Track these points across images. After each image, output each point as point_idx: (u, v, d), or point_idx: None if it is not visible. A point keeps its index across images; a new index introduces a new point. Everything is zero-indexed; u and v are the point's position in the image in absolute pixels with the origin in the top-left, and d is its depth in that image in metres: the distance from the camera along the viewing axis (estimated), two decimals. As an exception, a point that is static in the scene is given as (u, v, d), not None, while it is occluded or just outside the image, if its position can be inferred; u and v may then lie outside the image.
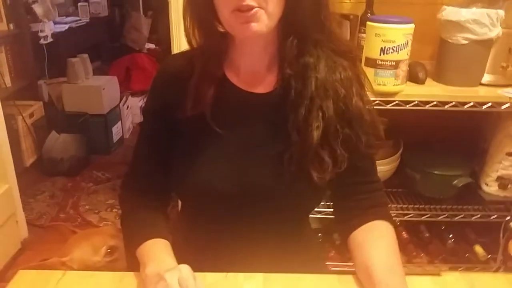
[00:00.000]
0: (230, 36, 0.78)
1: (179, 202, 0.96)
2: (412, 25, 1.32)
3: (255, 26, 0.70)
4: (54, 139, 2.89)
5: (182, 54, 0.87)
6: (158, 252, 0.76)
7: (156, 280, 0.68)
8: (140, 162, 0.89)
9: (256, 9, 0.68)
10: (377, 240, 0.78)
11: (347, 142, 0.78)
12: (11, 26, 2.80)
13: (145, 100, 3.78)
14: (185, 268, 0.68)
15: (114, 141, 3.26)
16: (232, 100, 0.82)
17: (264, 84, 0.82)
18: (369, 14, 1.52)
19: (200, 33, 0.79)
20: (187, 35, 0.80)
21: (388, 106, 1.39)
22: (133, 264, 0.80)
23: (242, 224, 0.82)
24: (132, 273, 0.78)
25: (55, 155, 2.84)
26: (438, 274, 0.79)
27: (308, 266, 0.86)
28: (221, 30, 0.77)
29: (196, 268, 0.72)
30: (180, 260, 0.75)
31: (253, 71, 0.81)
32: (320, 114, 0.75)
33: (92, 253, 0.88)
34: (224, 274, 0.77)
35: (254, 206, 0.80)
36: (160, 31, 4.67)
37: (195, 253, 0.83)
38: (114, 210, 2.49)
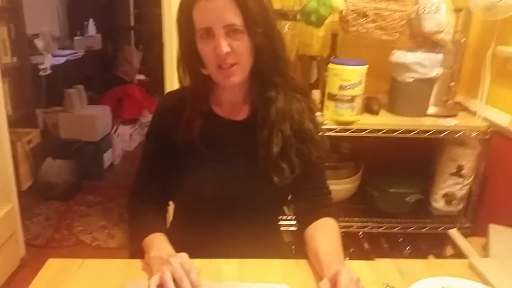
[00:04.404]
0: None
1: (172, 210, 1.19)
2: (365, 67, 1.59)
3: (234, 79, 0.97)
4: (50, 165, 3.06)
5: (176, 91, 1.12)
6: (159, 241, 0.99)
7: (159, 261, 0.90)
8: (144, 175, 1.12)
9: (234, 66, 0.95)
10: (323, 232, 1.02)
11: (301, 154, 1.03)
12: (14, 59, 3.03)
13: (134, 128, 4.01)
14: (186, 255, 0.90)
15: (105, 167, 3.45)
16: (216, 127, 1.06)
17: (241, 113, 1.07)
18: (333, 56, 1.79)
19: (190, 77, 1.04)
20: (180, 81, 1.05)
21: (347, 133, 1.65)
22: (136, 255, 1.03)
23: (223, 222, 1.05)
24: (136, 260, 0.99)
25: (50, 179, 3.01)
26: (373, 259, 1.02)
27: (276, 254, 1.08)
28: (206, 73, 1.02)
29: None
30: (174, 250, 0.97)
31: (231, 104, 1.07)
32: (280, 134, 1.01)
33: None
34: (208, 260, 0.99)
35: (232, 206, 1.04)
36: (150, 63, 4.93)
37: (185, 246, 1.05)
38: (106, 231, 2.67)
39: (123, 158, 3.80)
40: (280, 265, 1.00)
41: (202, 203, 1.05)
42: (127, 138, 3.92)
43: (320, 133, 1.07)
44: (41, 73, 3.29)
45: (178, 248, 0.98)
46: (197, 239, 1.07)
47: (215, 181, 1.04)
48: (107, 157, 3.50)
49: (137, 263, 0.99)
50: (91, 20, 4.46)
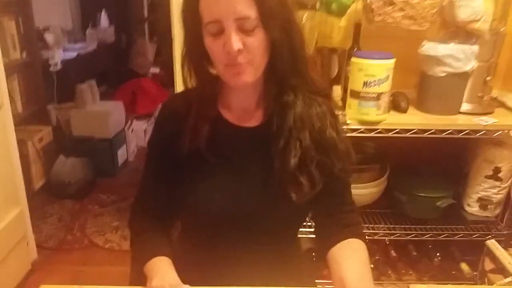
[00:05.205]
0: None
1: (179, 225, 1.08)
2: (392, 61, 1.44)
3: (244, 77, 0.83)
4: (62, 163, 2.99)
5: (181, 94, 1.00)
6: (162, 267, 0.88)
7: None
8: (146, 189, 1.01)
9: (245, 65, 0.81)
10: (350, 255, 0.89)
11: (323, 167, 0.90)
12: (24, 54, 2.94)
13: (149, 123, 3.92)
14: None
15: (119, 164, 3.37)
16: (224, 134, 0.94)
17: (253, 119, 0.94)
18: (355, 49, 1.64)
19: (196, 77, 0.92)
20: (184, 81, 0.93)
21: (372, 134, 1.50)
22: (137, 280, 0.92)
23: (234, 242, 0.93)
24: (138, 287, 0.89)
25: (63, 178, 2.94)
26: (407, 286, 0.89)
27: (295, 281, 0.97)
28: (214, 72, 0.90)
29: (192, 283, 0.84)
30: (180, 275, 0.87)
31: (243, 108, 0.94)
32: (298, 143, 0.88)
33: None
34: (216, 288, 0.88)
35: (243, 225, 0.91)
36: (165, 55, 4.84)
37: (193, 270, 0.94)
38: (119, 232, 2.58)
39: (138, 154, 3.71)
40: (300, 294, 0.88)
41: (209, 220, 0.93)
42: (142, 134, 3.83)
43: (344, 142, 0.94)
44: (52, 68, 3.21)
45: (184, 273, 0.88)
46: (205, 262, 0.97)
47: (225, 196, 0.92)
48: (121, 154, 3.42)
49: (137, 291, 0.88)
50: (103, 12, 4.36)
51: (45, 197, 2.93)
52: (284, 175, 0.88)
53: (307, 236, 1.53)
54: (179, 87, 1.90)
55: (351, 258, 0.89)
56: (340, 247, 0.92)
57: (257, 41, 0.81)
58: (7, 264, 2.00)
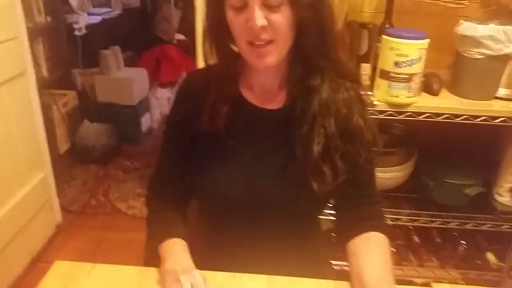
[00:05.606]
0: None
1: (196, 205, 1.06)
2: (426, 41, 1.35)
3: (268, 60, 0.79)
4: (87, 128, 3.03)
5: (201, 71, 0.97)
6: (177, 251, 0.87)
7: (173, 276, 0.79)
8: (164, 167, 1.00)
9: (268, 45, 0.77)
10: (371, 250, 0.86)
11: (347, 156, 0.86)
12: (48, 18, 2.90)
13: (172, 91, 3.89)
14: (198, 274, 0.79)
15: (143, 131, 3.39)
16: (245, 115, 0.91)
17: (275, 101, 0.90)
18: (387, 25, 1.55)
19: (218, 54, 0.88)
20: (205, 57, 0.89)
21: (401, 117, 1.43)
22: (151, 259, 0.91)
23: (251, 228, 0.91)
24: (152, 268, 0.88)
25: (87, 143, 2.98)
26: (429, 285, 0.86)
27: (313, 269, 0.95)
28: (236, 50, 0.86)
29: (208, 266, 0.84)
30: (195, 258, 0.86)
31: (265, 89, 0.90)
32: (322, 130, 0.84)
33: None
34: (231, 274, 0.86)
35: (261, 211, 0.89)
36: (190, 22, 4.74)
37: (209, 253, 0.93)
38: (142, 198, 2.61)
39: (162, 122, 3.72)
40: (316, 285, 0.86)
41: (225, 203, 0.91)
42: (165, 102, 3.82)
43: (371, 130, 0.88)
44: (76, 32, 3.18)
45: (198, 257, 0.87)
46: (220, 247, 0.96)
47: (242, 180, 0.89)
48: (145, 121, 3.44)
49: (152, 272, 0.88)
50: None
51: (70, 160, 2.98)
52: (306, 163, 0.85)
53: (328, 217, 1.50)
54: (200, 58, 1.86)
55: (371, 254, 0.85)
56: (361, 241, 0.89)
57: (283, 18, 0.76)
58: (33, 227, 2.06)
